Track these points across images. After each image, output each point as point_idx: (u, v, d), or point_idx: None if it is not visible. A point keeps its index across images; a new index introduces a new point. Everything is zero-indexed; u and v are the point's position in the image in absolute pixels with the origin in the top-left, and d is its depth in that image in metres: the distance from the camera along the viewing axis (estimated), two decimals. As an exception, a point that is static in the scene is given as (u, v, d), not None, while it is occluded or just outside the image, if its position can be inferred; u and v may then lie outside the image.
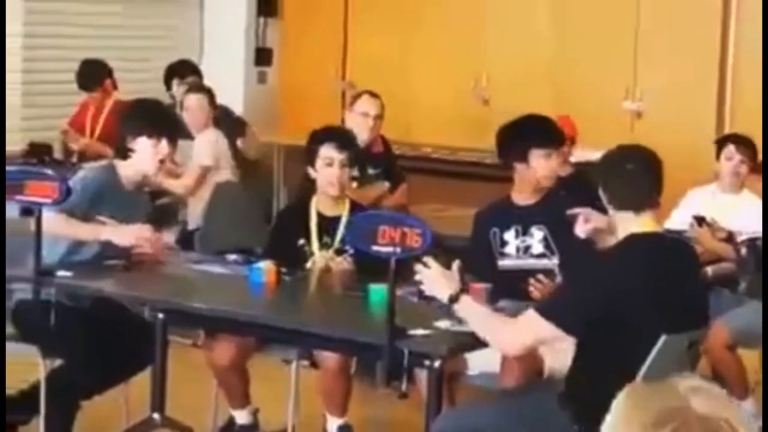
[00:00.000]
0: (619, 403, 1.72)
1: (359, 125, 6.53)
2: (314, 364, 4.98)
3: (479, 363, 4.63)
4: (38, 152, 7.87)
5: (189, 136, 7.00)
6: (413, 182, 7.10)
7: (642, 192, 3.98)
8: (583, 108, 7.64)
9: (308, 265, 5.12)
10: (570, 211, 4.59)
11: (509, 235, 5.00)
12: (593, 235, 4.50)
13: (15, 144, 8.09)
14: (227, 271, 5.05)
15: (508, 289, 4.59)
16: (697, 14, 8.17)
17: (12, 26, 8.27)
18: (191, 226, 7.14)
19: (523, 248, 4.97)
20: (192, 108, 7.24)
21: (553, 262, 4.92)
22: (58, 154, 8.05)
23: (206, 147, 7.18)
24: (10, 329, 4.94)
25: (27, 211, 5.28)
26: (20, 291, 4.93)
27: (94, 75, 8.08)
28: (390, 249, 4.05)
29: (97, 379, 4.86)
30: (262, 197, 8.44)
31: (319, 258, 5.13)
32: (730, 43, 8.15)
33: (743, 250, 5.65)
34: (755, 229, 5.70)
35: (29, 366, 4.91)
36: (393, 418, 5.36)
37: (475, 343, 4.08)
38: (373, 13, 9.31)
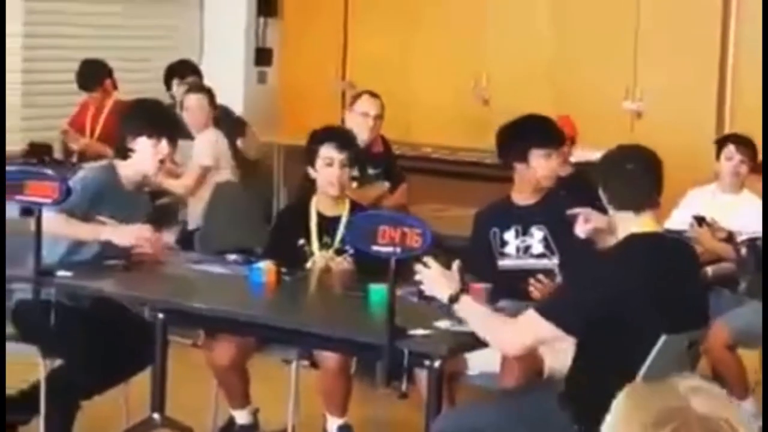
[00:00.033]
0: (619, 403, 1.72)
1: (359, 125, 6.53)
2: (314, 364, 4.98)
3: (479, 363, 4.63)
4: (38, 152, 7.87)
5: (189, 136, 7.00)
6: (413, 182, 7.10)
7: (642, 192, 3.98)
8: (583, 108, 7.64)
9: (308, 265, 5.12)
10: (570, 211, 4.59)
11: (509, 235, 4.99)
12: (593, 235, 4.50)
13: (15, 144, 8.09)
14: (227, 271, 5.05)
15: (508, 289, 4.59)
16: (697, 14, 8.16)
17: (12, 26, 8.27)
18: (191, 226, 7.14)
19: (523, 248, 4.97)
20: (192, 108, 7.24)
21: (553, 262, 4.92)
22: (58, 154, 8.05)
23: (206, 147, 7.18)
24: (10, 329, 4.94)
25: (27, 211, 5.28)
26: (20, 291, 4.92)
27: (94, 75, 8.08)
28: (390, 249, 4.04)
29: (97, 379, 4.86)
30: (262, 197, 8.44)
31: (319, 258, 5.12)
32: (730, 42, 8.15)
33: (743, 250, 5.65)
34: (755, 229, 5.70)
35: (29, 366, 4.91)
36: (393, 418, 5.36)
37: (475, 343, 4.08)
38: (373, 13, 9.31)
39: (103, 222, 4.95)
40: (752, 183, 6.27)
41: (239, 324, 4.64)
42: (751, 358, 5.54)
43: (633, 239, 3.92)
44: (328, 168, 5.16)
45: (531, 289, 4.73)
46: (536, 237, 4.96)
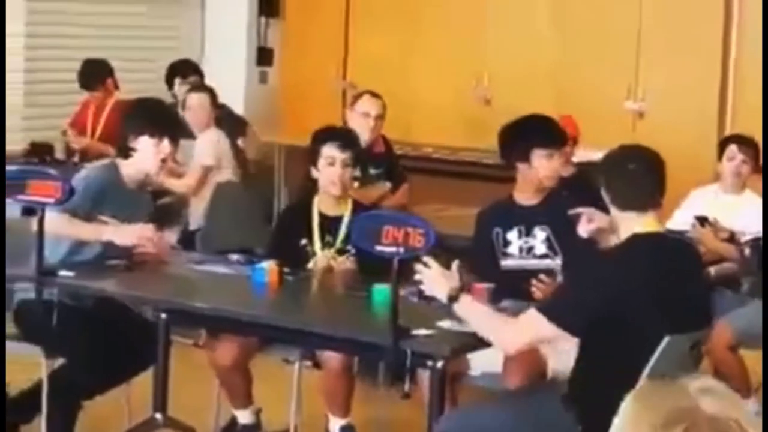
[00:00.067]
0: (627, 403, 1.72)
1: (360, 125, 6.52)
2: (317, 365, 4.97)
3: (481, 363, 4.62)
4: (40, 152, 7.87)
5: (191, 136, 7.00)
6: (414, 182, 7.09)
7: (645, 192, 3.98)
8: (584, 108, 7.63)
9: (310, 265, 5.11)
10: (572, 211, 4.59)
11: (512, 235, 4.99)
12: (596, 235, 4.50)
13: (16, 144, 8.09)
14: (230, 271, 5.04)
15: (511, 290, 4.58)
16: (699, 14, 8.16)
17: (14, 26, 8.27)
18: (192, 227, 7.14)
19: (526, 249, 4.96)
20: (194, 107, 7.24)
21: (556, 262, 4.91)
22: (59, 154, 8.04)
23: (208, 147, 7.18)
24: (12, 329, 4.94)
25: (28, 210, 5.27)
26: (22, 291, 4.92)
27: (95, 74, 8.08)
28: (393, 249, 4.04)
29: (99, 378, 4.85)
30: (263, 197, 8.43)
31: (321, 258, 5.12)
32: (732, 42, 8.15)
33: (747, 251, 5.65)
34: (758, 229, 5.70)
35: (31, 366, 4.91)
36: (395, 419, 5.35)
37: (478, 343, 4.08)
38: (375, 13, 9.31)
39: (105, 221, 4.94)
40: (754, 183, 6.27)
41: (242, 324, 4.63)
42: (752, 358, 5.53)
43: (635, 239, 3.92)
44: (330, 167, 5.16)
45: (533, 290, 4.72)
46: (539, 237, 4.95)
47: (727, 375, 5.37)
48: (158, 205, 6.52)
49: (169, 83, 8.11)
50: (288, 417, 5.05)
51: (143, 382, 4.97)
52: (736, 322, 5.38)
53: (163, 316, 4.68)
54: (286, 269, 4.86)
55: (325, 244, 5.15)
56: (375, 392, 5.34)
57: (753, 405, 5.36)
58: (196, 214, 7.14)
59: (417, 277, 4.07)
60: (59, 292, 4.82)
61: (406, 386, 4.57)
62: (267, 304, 4.79)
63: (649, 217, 3.97)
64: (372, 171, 6.65)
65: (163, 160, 5.06)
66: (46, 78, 8.63)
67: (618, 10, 8.41)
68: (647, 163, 4.03)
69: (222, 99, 7.60)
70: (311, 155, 5.23)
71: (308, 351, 4.95)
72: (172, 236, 6.78)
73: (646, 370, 3.74)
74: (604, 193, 4.04)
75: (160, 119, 5.12)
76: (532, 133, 5.07)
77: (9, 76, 8.21)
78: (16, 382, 5.10)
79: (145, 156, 5.00)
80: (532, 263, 4.93)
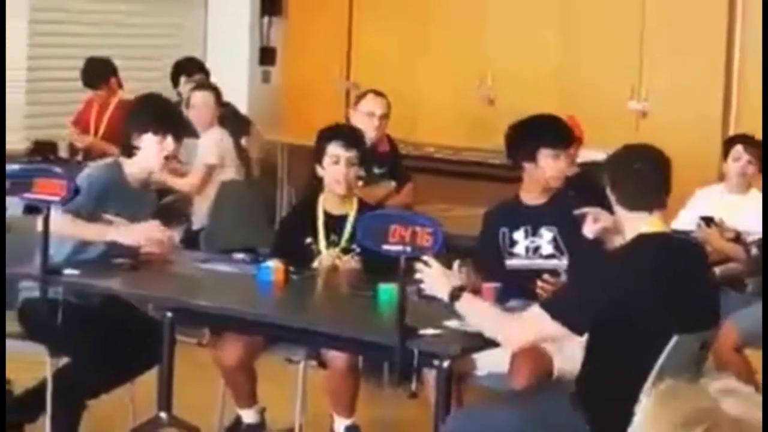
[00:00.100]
0: (648, 402, 1.71)
1: (365, 124, 6.50)
2: (322, 364, 4.96)
3: (487, 363, 4.60)
4: (43, 150, 7.86)
5: (195, 135, 6.99)
6: (418, 182, 7.08)
7: (651, 191, 3.97)
8: (587, 108, 7.62)
9: (315, 263, 5.10)
10: (578, 211, 4.58)
11: (518, 235, 4.97)
12: (602, 235, 4.49)
13: (19, 142, 8.08)
14: (235, 270, 5.04)
15: (517, 289, 4.58)
16: (702, 14, 8.15)
17: (17, 23, 8.26)
18: (196, 226, 7.13)
19: (533, 249, 4.95)
20: (198, 105, 7.23)
21: (562, 262, 4.90)
22: (63, 153, 8.04)
23: (211, 145, 7.17)
24: (16, 327, 4.93)
25: (31, 208, 5.26)
26: (27, 289, 4.91)
27: (99, 73, 8.07)
28: (400, 248, 4.03)
29: (104, 377, 4.85)
30: (266, 196, 8.42)
31: (326, 257, 5.11)
32: (736, 42, 8.14)
33: (753, 251, 5.64)
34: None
35: (36, 364, 4.90)
36: (401, 419, 5.34)
37: (485, 343, 4.07)
38: (378, 12, 9.30)
39: (110, 220, 4.93)
40: (759, 183, 6.26)
41: (247, 323, 4.62)
42: (757, 358, 5.51)
43: (642, 239, 3.91)
44: (335, 166, 5.15)
45: (538, 290, 4.71)
46: (546, 238, 4.94)
47: (733, 375, 5.35)
48: (161, 204, 6.51)
49: (175, 81, 8.11)
50: (293, 416, 5.03)
51: (148, 381, 4.97)
52: (741, 322, 5.37)
53: (168, 314, 4.67)
54: (291, 268, 4.85)
55: (330, 243, 5.14)
56: (380, 392, 5.33)
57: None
58: (200, 214, 7.13)
59: (417, 275, 4.06)
60: (64, 290, 4.81)
61: (413, 386, 4.57)
62: (272, 303, 4.78)
63: (655, 217, 3.96)
64: (376, 170, 6.65)
65: (167, 158, 5.05)
66: (49, 76, 8.62)
67: (621, 10, 8.40)
68: (653, 162, 4.02)
69: (225, 98, 7.59)
70: (316, 153, 5.22)
71: (313, 350, 4.93)
72: (175, 235, 6.77)
73: (655, 370, 3.73)
74: (609, 193, 4.03)
75: (164, 116, 5.11)
76: (539, 132, 5.06)
77: (11, 74, 8.21)
78: (21, 380, 5.10)
79: (149, 154, 4.99)
80: (538, 263, 4.91)
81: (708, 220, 5.81)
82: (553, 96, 8.17)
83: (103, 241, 4.91)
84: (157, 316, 4.88)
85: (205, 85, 7.55)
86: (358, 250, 5.03)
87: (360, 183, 5.96)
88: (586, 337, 3.97)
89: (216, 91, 7.34)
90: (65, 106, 8.41)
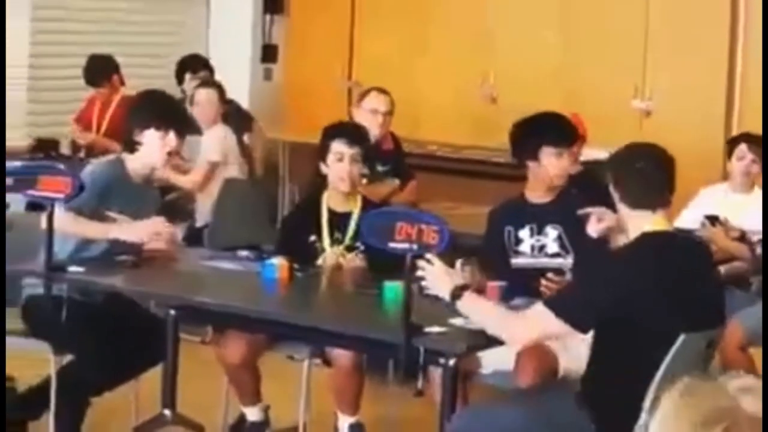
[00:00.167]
0: (668, 400, 1.70)
1: (369, 122, 6.49)
2: (327, 362, 4.95)
3: (493, 362, 4.60)
4: (45, 147, 7.85)
5: (198, 131, 6.98)
6: (422, 180, 7.07)
7: (654, 190, 3.97)
8: (591, 106, 7.61)
9: (319, 261, 5.09)
10: (582, 211, 4.57)
11: (524, 233, 4.96)
12: (606, 234, 4.48)
13: (21, 139, 8.07)
14: (239, 268, 5.02)
15: (522, 287, 4.57)
16: (706, 13, 8.15)
17: (19, 22, 8.25)
18: (199, 223, 7.13)
19: (538, 247, 4.94)
20: (201, 103, 7.23)
21: (567, 261, 4.89)
22: (65, 150, 8.03)
23: (214, 143, 7.17)
24: (20, 325, 4.92)
25: (33, 205, 5.25)
26: (30, 287, 4.90)
27: (101, 70, 8.06)
28: (406, 246, 4.02)
29: (108, 375, 4.83)
30: (269, 194, 8.42)
31: (330, 255, 5.10)
32: (739, 41, 8.13)
33: (758, 250, 5.64)
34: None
35: (39, 362, 4.89)
36: (405, 417, 5.33)
37: (491, 341, 4.06)
38: (380, 10, 9.29)
39: (113, 217, 4.92)
40: (763, 182, 6.26)
41: (251, 321, 4.61)
42: (757, 357, 5.50)
43: (645, 238, 3.91)
44: (339, 163, 5.14)
45: (542, 289, 4.70)
46: (551, 236, 4.93)
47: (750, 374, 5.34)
48: (164, 202, 6.50)
49: (179, 78, 8.10)
50: (297, 414, 5.02)
51: (151, 378, 4.96)
52: (746, 321, 5.36)
53: (172, 312, 4.67)
54: (295, 265, 4.84)
55: (334, 241, 5.13)
56: (384, 390, 5.32)
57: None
58: (203, 211, 7.12)
59: (419, 273, 4.05)
60: (69, 288, 4.80)
61: (419, 384, 4.56)
62: (277, 301, 4.77)
63: (659, 216, 3.95)
64: (380, 168, 6.64)
65: (169, 153, 5.04)
66: (51, 74, 8.61)
67: (625, 9, 8.39)
68: (656, 160, 4.02)
69: (228, 95, 7.58)
70: (320, 151, 5.21)
71: (318, 348, 4.92)
72: (178, 232, 6.76)
73: (662, 369, 3.72)
74: (612, 191, 4.02)
75: (166, 112, 5.11)
76: (541, 131, 5.04)
77: (13, 72, 8.20)
78: (24, 378, 5.09)
79: (151, 149, 4.98)
80: (543, 261, 4.90)
81: (713, 219, 5.81)
82: (557, 94, 8.16)
83: (106, 238, 4.90)
84: (161, 313, 4.87)
85: (209, 82, 7.55)
86: (362, 247, 5.02)
87: (364, 180, 5.96)
88: (591, 336, 3.96)
89: (220, 89, 7.34)
90: (67, 103, 8.40)
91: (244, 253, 5.22)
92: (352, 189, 5.19)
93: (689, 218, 6.00)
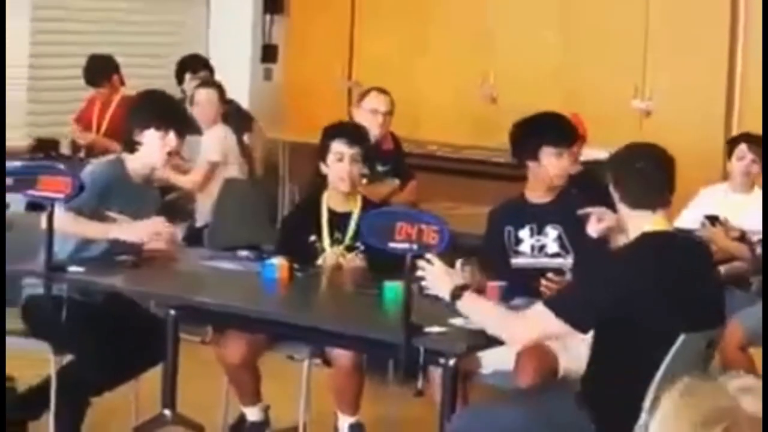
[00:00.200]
0: (668, 400, 1.70)
1: (369, 122, 6.48)
2: (327, 362, 4.95)
3: (493, 361, 4.60)
4: (45, 147, 7.85)
5: (198, 131, 6.98)
6: (422, 180, 7.07)
7: (654, 190, 3.97)
8: (591, 106, 7.61)
9: (319, 261, 5.09)
10: (582, 211, 4.57)
11: (524, 233, 4.96)
12: (606, 234, 4.48)
13: (21, 139, 8.07)
14: (239, 268, 5.02)
15: (523, 287, 4.57)
16: (706, 13, 8.15)
17: (19, 22, 8.25)
18: (199, 223, 7.13)
19: (538, 247, 4.94)
20: (201, 103, 7.23)
21: (567, 261, 4.89)
22: (65, 150, 8.03)
23: (215, 143, 7.17)
24: (20, 325, 4.92)
25: (33, 205, 5.25)
26: (30, 287, 4.90)
27: (101, 70, 8.07)
28: (406, 246, 4.02)
29: (108, 375, 4.83)
30: (268, 194, 8.42)
31: (330, 255, 5.10)
32: (739, 42, 8.13)
33: (758, 250, 5.64)
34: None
35: (39, 362, 4.89)
36: (405, 417, 5.32)
37: (491, 341, 4.06)
38: (380, 10, 9.29)
39: (113, 217, 4.92)
40: (763, 182, 6.26)
41: (251, 321, 4.61)
42: (757, 357, 5.50)
43: (645, 238, 3.90)
44: (339, 163, 5.14)
45: (542, 289, 4.70)
46: (551, 236, 4.93)
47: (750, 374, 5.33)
48: (164, 202, 6.50)
49: (180, 78, 8.10)
50: (297, 414, 5.02)
51: (151, 378, 4.96)
52: (746, 321, 5.36)
53: (172, 312, 4.66)
54: (296, 265, 4.84)
55: (334, 241, 5.13)
56: (384, 390, 5.32)
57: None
58: (203, 211, 7.13)
59: (419, 273, 4.04)
60: (68, 288, 4.80)
61: (419, 384, 4.56)
62: (277, 301, 4.77)
63: (659, 216, 3.95)
64: (380, 168, 6.63)
65: (169, 153, 5.04)
66: (51, 74, 8.61)
67: (625, 9, 8.39)
68: (656, 160, 4.02)
69: (228, 95, 7.58)
70: (320, 151, 5.21)
71: (318, 348, 4.92)
72: (178, 232, 6.75)
73: (662, 369, 3.72)
74: (612, 191, 4.02)
75: (166, 112, 5.11)
76: (541, 131, 5.04)
77: (13, 72, 8.20)
78: (24, 378, 5.09)
79: (151, 149, 4.98)
80: (543, 261, 4.90)
81: (713, 219, 5.81)
82: (556, 94, 8.15)
83: (105, 239, 4.90)
84: (161, 313, 4.87)
85: (210, 82, 7.55)
86: (362, 247, 5.02)
87: (364, 180, 5.96)
88: (591, 336, 3.96)
89: (220, 89, 7.34)
90: (67, 103, 8.40)
91: (244, 253, 5.22)
92: (352, 189, 5.19)
93: (689, 218, 6.00)
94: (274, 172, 8.99)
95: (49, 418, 4.85)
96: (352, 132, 5.32)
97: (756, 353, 5.47)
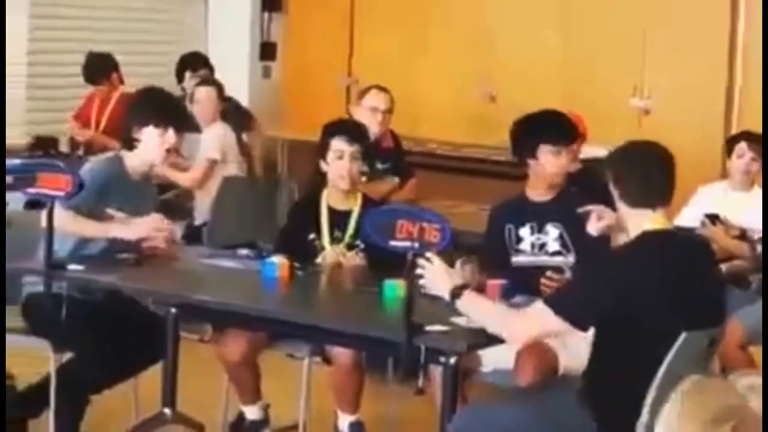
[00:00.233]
0: (678, 398, 1.69)
1: (368, 120, 6.49)
2: (326, 360, 4.94)
3: (493, 360, 4.59)
4: (44, 145, 7.84)
5: (197, 129, 6.98)
6: (422, 179, 7.07)
7: (654, 188, 3.96)
8: (590, 105, 7.61)
9: (318, 259, 5.09)
10: (582, 209, 4.56)
11: (524, 232, 4.96)
12: (606, 233, 4.47)
13: (19, 137, 8.07)
14: (239, 266, 5.01)
15: (523, 286, 4.56)
16: (705, 11, 8.16)
17: (17, 19, 8.25)
18: (198, 221, 7.12)
19: (539, 245, 4.93)
20: (201, 101, 7.23)
21: (568, 259, 4.88)
22: (64, 147, 8.03)
23: (214, 140, 7.17)
24: (20, 323, 4.91)
25: (32, 203, 5.24)
26: (30, 284, 4.89)
27: (100, 68, 8.07)
28: (408, 244, 4.00)
29: (108, 373, 4.83)
30: (268, 192, 8.41)
31: (330, 253, 5.09)
32: (739, 40, 8.14)
33: (759, 248, 5.63)
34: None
35: (39, 359, 4.88)
36: (405, 415, 5.33)
37: (492, 339, 4.05)
38: (380, 8, 9.29)
39: (111, 215, 4.91)
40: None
41: (251, 319, 4.60)
42: (757, 355, 5.51)
43: (645, 237, 3.90)
44: (339, 161, 5.13)
45: (542, 287, 4.69)
46: (552, 235, 4.92)
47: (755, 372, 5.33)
48: (163, 200, 6.50)
49: (179, 76, 8.10)
50: (297, 413, 5.01)
51: (151, 376, 4.96)
52: (746, 320, 5.37)
53: (172, 310, 4.65)
54: (296, 264, 4.84)
55: (334, 239, 5.12)
56: (384, 388, 5.31)
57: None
58: (202, 209, 7.12)
59: (418, 271, 4.04)
60: (68, 285, 4.79)
61: (420, 382, 4.55)
62: (278, 299, 4.76)
63: (658, 214, 3.95)
64: (379, 166, 6.63)
65: (168, 151, 5.03)
66: (49, 71, 8.61)
67: (624, 8, 8.40)
68: (656, 159, 4.01)
69: (227, 93, 7.58)
70: (320, 148, 5.20)
71: (318, 346, 4.91)
72: (176, 230, 6.75)
73: (663, 367, 3.72)
74: (612, 189, 4.01)
75: (165, 109, 5.10)
76: (540, 129, 5.04)
77: (12, 69, 8.20)
78: (24, 376, 5.08)
79: (150, 147, 4.98)
80: (543, 260, 4.90)
81: (713, 218, 5.81)
82: (556, 93, 8.17)
83: (105, 237, 4.89)
84: (161, 311, 4.86)
85: (209, 80, 7.55)
86: (362, 246, 5.02)
87: (363, 178, 5.95)
88: (591, 334, 3.96)
89: (219, 87, 7.34)
90: (66, 101, 8.40)
91: (243, 251, 5.21)
92: (352, 187, 5.18)
93: (689, 217, 6.00)
94: (273, 170, 8.98)
95: (49, 416, 4.84)
96: (352, 129, 5.31)
97: (756, 352, 5.47)
